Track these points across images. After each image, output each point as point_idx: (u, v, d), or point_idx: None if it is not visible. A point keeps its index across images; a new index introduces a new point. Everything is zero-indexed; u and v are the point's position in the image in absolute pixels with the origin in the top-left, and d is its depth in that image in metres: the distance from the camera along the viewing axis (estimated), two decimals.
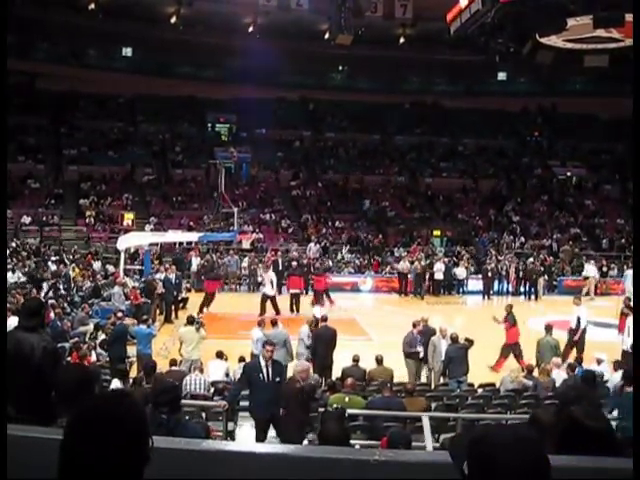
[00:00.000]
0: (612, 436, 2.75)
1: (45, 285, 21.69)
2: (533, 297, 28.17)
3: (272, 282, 21.52)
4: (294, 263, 25.31)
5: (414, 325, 14.47)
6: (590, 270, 29.49)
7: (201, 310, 21.05)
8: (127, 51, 41.90)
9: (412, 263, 28.45)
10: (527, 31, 22.33)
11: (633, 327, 5.00)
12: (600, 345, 16.27)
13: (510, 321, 15.85)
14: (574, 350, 16.11)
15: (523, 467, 1.80)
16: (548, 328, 14.77)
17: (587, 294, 27.31)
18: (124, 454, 1.86)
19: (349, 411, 8.67)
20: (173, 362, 12.70)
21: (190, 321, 14.81)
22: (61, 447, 1.91)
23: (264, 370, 9.53)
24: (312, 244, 31.71)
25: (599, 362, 13.36)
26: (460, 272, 28.78)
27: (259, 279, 24.05)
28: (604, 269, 30.65)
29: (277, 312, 20.70)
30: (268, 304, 21.28)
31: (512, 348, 15.57)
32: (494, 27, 22.30)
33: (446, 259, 29.43)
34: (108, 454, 1.83)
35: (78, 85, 38.41)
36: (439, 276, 28.25)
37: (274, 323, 14.08)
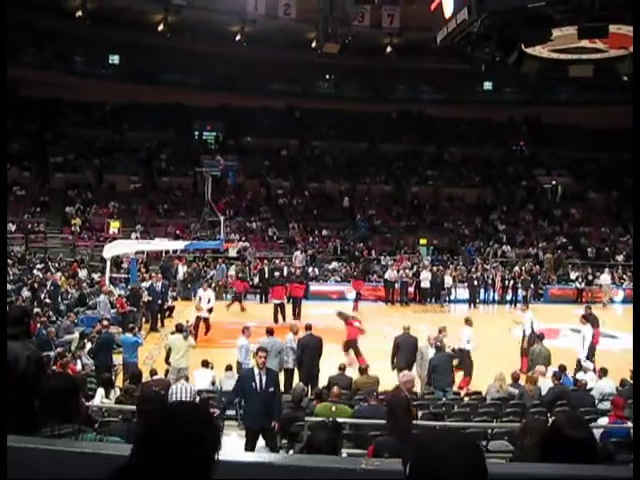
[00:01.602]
0: (593, 444, 2.76)
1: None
2: (519, 305, 28.25)
3: (209, 300, 20.64)
4: (277, 273, 25.28)
5: (440, 331, 14.49)
6: (604, 278, 29.81)
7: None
8: (114, 58, 41.84)
9: (398, 271, 28.52)
10: (513, 41, 22.49)
11: (633, 327, 5.01)
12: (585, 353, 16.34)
13: (350, 319, 17.12)
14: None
15: (459, 475, 1.81)
16: (541, 337, 14.82)
17: (602, 302, 27.89)
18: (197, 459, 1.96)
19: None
20: (153, 372, 12.60)
21: (178, 329, 14.74)
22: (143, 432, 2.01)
23: (257, 379, 9.47)
24: (298, 252, 31.70)
25: (585, 371, 13.41)
26: (446, 280, 28.84)
27: (197, 299, 21.48)
28: (589, 277, 30.81)
29: (206, 330, 19.88)
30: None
31: (350, 344, 16.17)
32: (480, 37, 22.42)
33: (434, 268, 29.50)
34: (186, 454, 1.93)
35: (64, 92, 38.28)
36: (425, 284, 28.32)
37: (270, 332, 14.00)
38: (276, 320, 22.03)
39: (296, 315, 22.97)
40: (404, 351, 14.37)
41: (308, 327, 14.39)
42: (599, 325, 17.14)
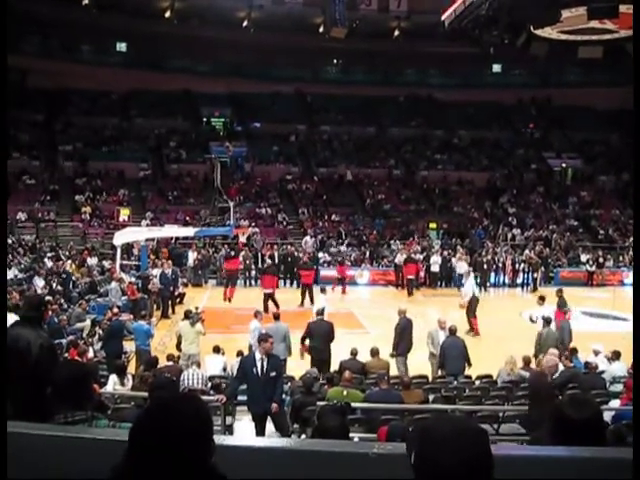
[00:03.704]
0: (598, 425, 2.76)
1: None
2: (530, 288, 28.17)
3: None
4: (268, 261, 24.43)
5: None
6: None
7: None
8: (121, 46, 41.82)
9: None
10: (521, 23, 22.33)
11: (633, 326, 4.96)
12: (596, 335, 16.32)
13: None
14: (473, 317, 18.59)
15: (463, 463, 1.79)
16: (548, 320, 14.77)
17: None
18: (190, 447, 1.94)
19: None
20: (170, 357, 12.67)
21: (187, 316, 14.79)
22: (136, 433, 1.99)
23: (258, 364, 9.47)
24: (307, 237, 31.66)
25: (596, 353, 13.37)
26: (459, 267, 28.46)
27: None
28: (600, 260, 30.66)
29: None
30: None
31: None
32: (488, 19, 22.32)
33: (445, 252, 29.38)
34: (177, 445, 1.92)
35: (71, 81, 38.29)
36: (435, 269, 28.24)
37: (276, 317, 14.03)
38: (266, 309, 20.28)
39: (303, 302, 22.80)
40: (407, 336, 14.38)
41: (319, 312, 14.39)
42: (569, 310, 17.15)
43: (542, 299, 16.14)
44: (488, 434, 1.95)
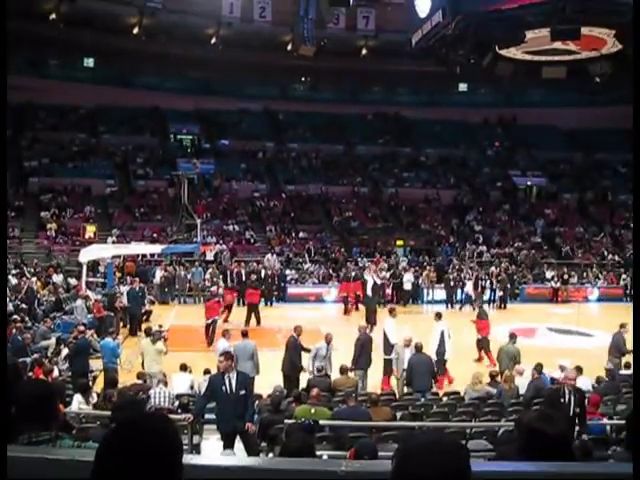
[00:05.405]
0: (569, 440, 2.78)
1: None
2: (496, 305, 28.35)
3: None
4: (213, 289, 22.60)
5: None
6: None
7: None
8: (89, 61, 41.54)
9: (375, 273, 28.51)
10: (487, 43, 22.69)
11: (633, 328, 5.04)
12: (561, 351, 16.53)
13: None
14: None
15: (441, 477, 1.79)
16: (512, 336, 14.92)
17: None
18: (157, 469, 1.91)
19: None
20: (140, 375, 12.53)
21: (147, 333, 14.67)
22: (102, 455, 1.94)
23: (227, 382, 9.43)
24: (269, 255, 31.39)
25: (562, 369, 13.51)
26: (467, 287, 28.45)
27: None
28: (565, 277, 31.04)
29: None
30: None
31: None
32: (455, 39, 22.63)
33: (413, 270, 29.54)
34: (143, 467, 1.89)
35: (39, 95, 37.93)
36: (408, 287, 28.37)
37: (244, 334, 13.97)
38: (210, 341, 19.06)
39: (248, 322, 22.20)
40: (367, 351, 14.43)
41: (296, 329, 14.30)
42: (487, 317, 17.84)
43: (438, 316, 16.34)
44: (468, 449, 1.96)
